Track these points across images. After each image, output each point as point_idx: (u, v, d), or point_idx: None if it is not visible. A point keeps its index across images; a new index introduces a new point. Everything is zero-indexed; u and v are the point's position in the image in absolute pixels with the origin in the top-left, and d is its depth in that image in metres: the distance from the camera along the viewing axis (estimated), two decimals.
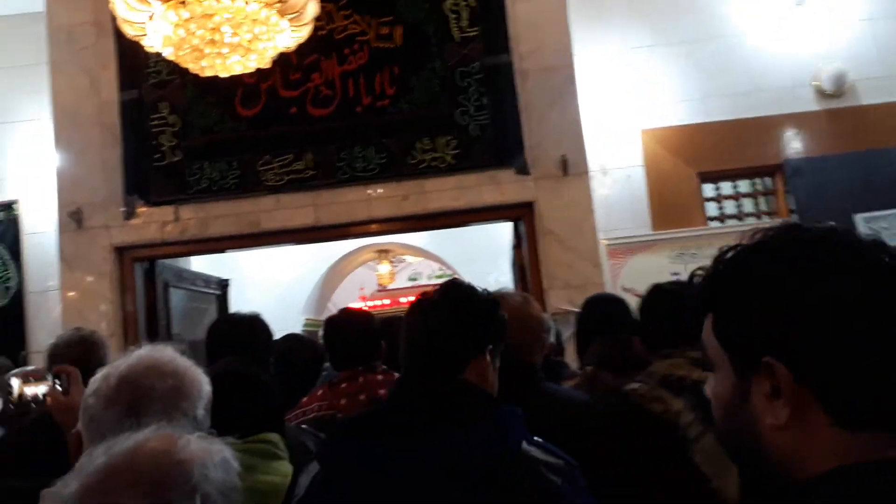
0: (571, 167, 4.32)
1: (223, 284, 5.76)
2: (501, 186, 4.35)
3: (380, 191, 4.39)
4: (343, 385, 2.27)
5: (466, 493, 1.10)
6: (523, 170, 4.34)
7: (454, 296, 1.39)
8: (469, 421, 1.16)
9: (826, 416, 0.67)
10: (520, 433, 1.19)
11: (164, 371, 1.21)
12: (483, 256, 7.55)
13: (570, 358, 3.16)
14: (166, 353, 1.27)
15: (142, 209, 4.47)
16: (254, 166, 4.42)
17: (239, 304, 6.31)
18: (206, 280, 5.47)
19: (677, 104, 4.88)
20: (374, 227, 4.50)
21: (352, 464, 1.19)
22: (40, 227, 4.84)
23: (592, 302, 2.63)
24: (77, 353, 2.12)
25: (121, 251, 4.51)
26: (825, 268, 0.69)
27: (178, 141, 4.49)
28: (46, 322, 4.78)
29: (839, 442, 0.67)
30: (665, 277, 4.69)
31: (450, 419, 1.17)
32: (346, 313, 2.50)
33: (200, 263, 5.57)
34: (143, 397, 1.16)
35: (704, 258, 4.56)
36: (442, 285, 1.43)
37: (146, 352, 1.26)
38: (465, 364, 1.31)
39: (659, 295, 1.92)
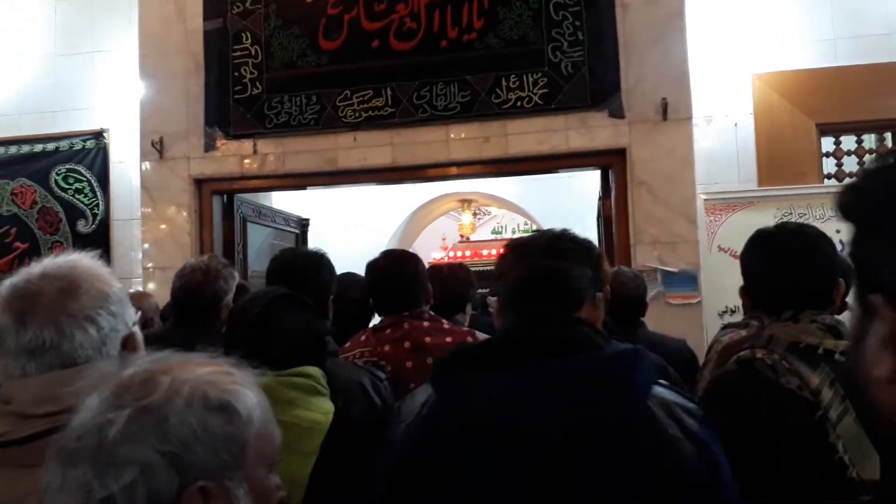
0: (672, 112, 3.93)
1: (303, 223, 5.72)
2: (592, 131, 4.02)
3: (461, 133, 4.15)
4: (387, 331, 2.11)
5: (602, 423, 1.03)
6: (617, 113, 3.98)
7: (572, 237, 1.43)
8: (595, 346, 1.11)
9: None
10: (649, 371, 1.11)
11: (55, 275, 1.11)
12: (569, 212, 7.20)
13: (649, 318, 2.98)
14: (72, 258, 1.15)
15: (221, 142, 4.43)
16: (333, 101, 4.26)
17: (317, 244, 6.29)
18: (286, 218, 5.44)
19: (798, 46, 4.34)
20: (452, 170, 4.28)
21: (477, 390, 1.10)
22: (127, 157, 4.88)
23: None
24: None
25: (199, 183, 4.50)
26: None
27: (259, 73, 4.39)
28: (130, 250, 4.87)
29: None
30: None
31: (574, 346, 1.11)
32: (390, 256, 2.32)
33: (280, 202, 5.54)
34: (29, 303, 1.07)
35: (815, 220, 4.12)
36: (547, 231, 1.49)
37: (50, 260, 1.15)
38: (580, 306, 1.22)
39: (765, 243, 1.58)
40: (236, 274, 2.48)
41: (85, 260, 1.15)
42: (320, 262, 2.17)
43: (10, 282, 1.11)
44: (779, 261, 1.52)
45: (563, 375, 1.06)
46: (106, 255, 4.94)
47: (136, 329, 1.18)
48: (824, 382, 1.36)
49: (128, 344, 1.14)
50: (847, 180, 4.33)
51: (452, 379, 1.14)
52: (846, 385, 1.36)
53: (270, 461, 0.85)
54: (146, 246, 4.50)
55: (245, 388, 0.83)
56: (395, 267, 2.22)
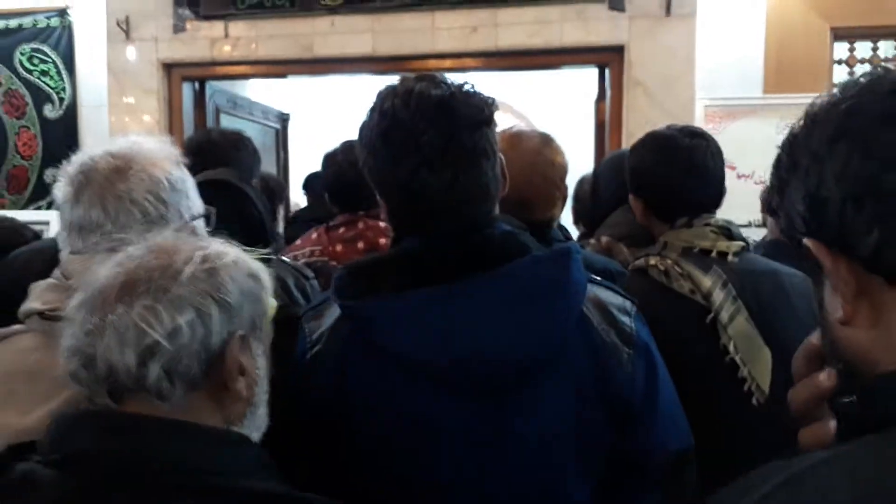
0: (675, 6, 3.61)
1: (283, 118, 5.46)
2: (588, 24, 3.71)
3: (447, 21, 3.84)
4: (341, 230, 1.97)
5: (541, 330, 0.94)
6: (618, 5, 3.66)
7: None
8: (523, 253, 0.97)
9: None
10: (580, 273, 1.00)
11: (114, 153, 1.10)
12: (568, 114, 6.88)
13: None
14: (138, 139, 1.15)
15: (191, 23, 4.11)
16: None
17: (299, 140, 6.05)
18: (265, 111, 5.16)
19: None
20: (437, 62, 3.98)
21: (398, 311, 0.95)
22: (94, 38, 4.56)
23: (615, 159, 2.00)
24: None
25: (169, 68, 4.22)
26: None
27: None
28: (99, 138, 4.63)
29: None
30: (768, 150, 4.03)
31: (500, 256, 0.96)
32: (348, 149, 2.04)
33: (259, 96, 5.25)
34: (84, 179, 1.08)
35: None
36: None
37: (122, 137, 1.16)
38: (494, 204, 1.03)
39: (664, 146, 1.52)
40: None
41: (148, 143, 1.15)
42: (240, 143, 1.96)
43: (77, 155, 1.13)
44: (676, 165, 1.49)
45: (491, 293, 0.94)
46: (75, 142, 4.73)
47: (196, 224, 1.16)
48: (716, 284, 1.38)
49: None
50: None
51: (367, 302, 0.97)
52: (738, 285, 1.39)
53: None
54: (113, 134, 4.27)
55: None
56: (350, 160, 2.01)
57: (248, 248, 1.39)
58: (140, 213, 1.06)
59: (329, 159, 2.10)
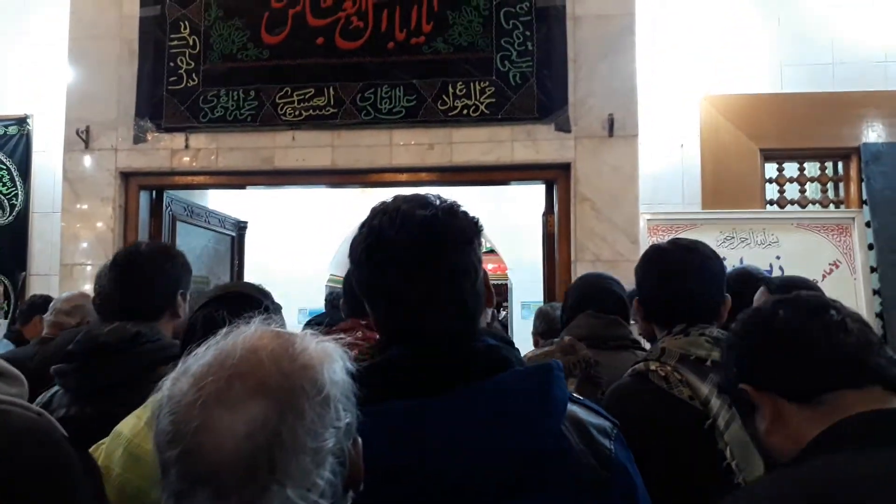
0: (618, 128, 3.87)
1: (240, 226, 5.49)
2: (537, 143, 3.93)
3: (405, 138, 4.01)
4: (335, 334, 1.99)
5: (519, 448, 0.92)
6: (564, 126, 3.90)
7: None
8: (501, 369, 0.97)
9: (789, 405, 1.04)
10: (562, 390, 0.99)
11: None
12: (520, 228, 7.10)
13: None
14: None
15: (152, 134, 4.20)
16: (272, 98, 4.08)
17: (257, 250, 6.05)
18: (221, 219, 5.20)
19: (747, 70, 4.35)
20: (395, 175, 4.13)
21: (377, 422, 0.91)
22: (51, 146, 4.60)
23: (584, 278, 2.45)
24: None
25: (127, 177, 4.25)
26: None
27: (196, 64, 4.19)
28: (49, 245, 4.57)
29: (807, 417, 1.01)
30: None
31: (482, 369, 0.97)
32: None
33: (218, 204, 5.30)
34: None
35: (756, 245, 4.11)
36: None
37: None
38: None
39: (661, 259, 1.65)
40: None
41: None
42: (168, 254, 1.89)
43: None
44: (673, 277, 1.58)
45: (470, 407, 0.93)
46: (23, 249, 4.65)
47: None
48: (713, 392, 1.42)
49: None
50: (788, 207, 4.35)
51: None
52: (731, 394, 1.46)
53: None
54: (65, 240, 4.22)
55: None
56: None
57: None
58: None
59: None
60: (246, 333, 0.75)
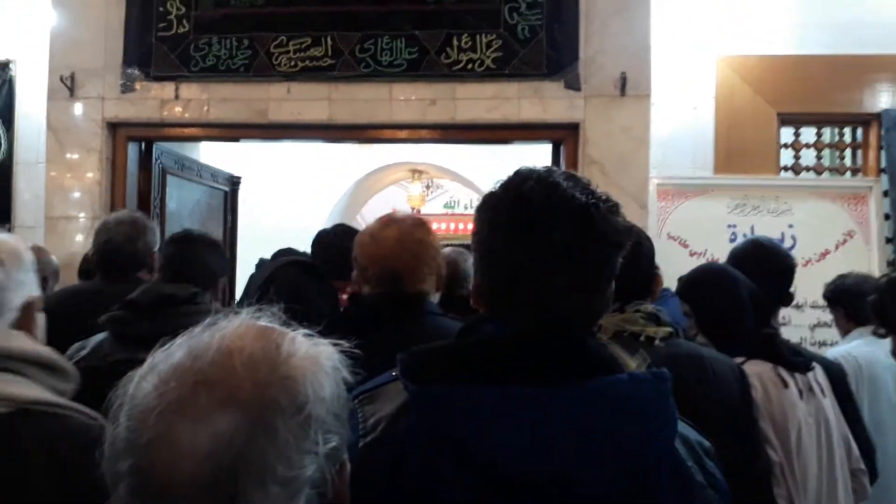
0: (630, 87, 3.69)
1: (233, 181, 5.32)
2: (545, 101, 3.74)
3: (406, 93, 3.82)
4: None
5: (638, 454, 0.85)
6: (573, 84, 3.72)
7: None
8: (614, 368, 0.92)
9: None
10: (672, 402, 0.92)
11: None
12: None
13: None
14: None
15: (141, 83, 4.00)
16: (267, 47, 3.87)
17: (251, 205, 5.89)
18: (213, 173, 5.02)
19: (764, 30, 4.13)
20: (394, 132, 3.95)
21: (491, 404, 0.85)
22: (36, 94, 4.39)
23: None
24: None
25: (114, 127, 4.06)
26: None
27: (187, 10, 3.96)
28: (34, 197, 4.40)
29: None
30: (720, 229, 4.10)
31: (594, 367, 0.91)
32: (341, 229, 2.31)
33: (210, 159, 5.11)
34: None
35: (768, 213, 3.95)
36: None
37: None
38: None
39: None
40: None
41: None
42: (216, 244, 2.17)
43: None
44: None
45: (588, 406, 0.86)
46: (7, 201, 4.48)
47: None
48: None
49: None
50: (804, 174, 4.19)
51: (441, 392, 0.86)
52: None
53: None
54: (49, 194, 4.06)
55: None
56: (342, 241, 2.15)
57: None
58: None
59: (322, 238, 2.36)
60: (225, 329, 0.64)
